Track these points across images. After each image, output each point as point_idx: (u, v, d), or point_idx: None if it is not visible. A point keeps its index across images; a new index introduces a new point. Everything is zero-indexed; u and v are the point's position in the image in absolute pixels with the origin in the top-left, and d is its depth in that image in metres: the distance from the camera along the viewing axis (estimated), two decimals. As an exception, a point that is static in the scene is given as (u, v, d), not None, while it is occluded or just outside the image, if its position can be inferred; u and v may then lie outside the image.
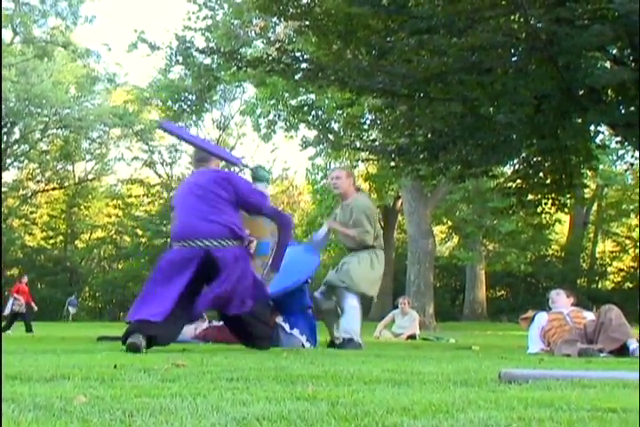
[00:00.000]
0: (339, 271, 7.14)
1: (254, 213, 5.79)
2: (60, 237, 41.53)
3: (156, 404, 2.19)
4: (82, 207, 41.53)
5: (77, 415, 2.00)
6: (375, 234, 7.14)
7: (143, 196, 41.22)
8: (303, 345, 7.11)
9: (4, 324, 17.89)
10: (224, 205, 5.50)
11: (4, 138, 34.79)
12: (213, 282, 5.36)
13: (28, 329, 17.32)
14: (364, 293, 7.12)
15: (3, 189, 34.46)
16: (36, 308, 19.78)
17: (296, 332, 7.16)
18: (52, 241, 41.28)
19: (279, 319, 7.21)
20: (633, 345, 6.11)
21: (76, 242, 42.17)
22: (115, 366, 3.41)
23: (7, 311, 18.83)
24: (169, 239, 6.03)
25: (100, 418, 1.96)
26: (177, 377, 3.03)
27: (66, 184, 40.96)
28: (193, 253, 5.37)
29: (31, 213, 40.58)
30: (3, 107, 29.68)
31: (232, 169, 7.41)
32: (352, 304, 6.99)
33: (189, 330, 8.09)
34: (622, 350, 6.09)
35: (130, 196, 41.43)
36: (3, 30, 29.95)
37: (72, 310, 33.32)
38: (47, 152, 39.51)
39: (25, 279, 20.34)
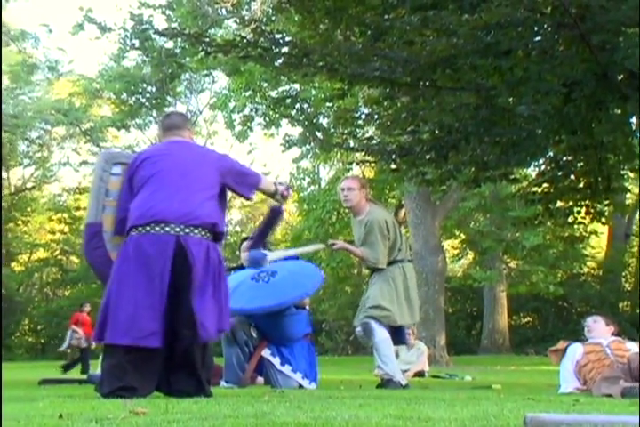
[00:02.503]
0: (363, 306, 7.42)
1: (246, 198, 5.67)
2: (-6, 259, 41.45)
3: (110, 461, 2.18)
4: (19, 222, 41.38)
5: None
6: (398, 247, 7.42)
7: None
8: (301, 386, 7.11)
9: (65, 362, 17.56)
10: (208, 189, 5.35)
11: None
12: (188, 287, 5.12)
13: (85, 370, 16.89)
14: (395, 322, 7.41)
15: None
16: (93, 344, 18.72)
17: (287, 369, 7.16)
18: (-18, 264, 41.20)
19: (266, 353, 7.20)
20: (687, 382, 6.11)
21: (13, 264, 41.99)
22: (60, 416, 3.40)
23: (64, 347, 18.42)
24: None
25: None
26: (136, 428, 3.02)
27: None
28: (162, 241, 5.17)
29: (-43, 230, 40.53)
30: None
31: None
32: (381, 337, 7.23)
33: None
34: (674, 388, 6.09)
35: (78, 208, 41.26)
36: None
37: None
38: (-24, 156, 39.49)
39: (87, 307, 19.78)
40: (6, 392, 5.97)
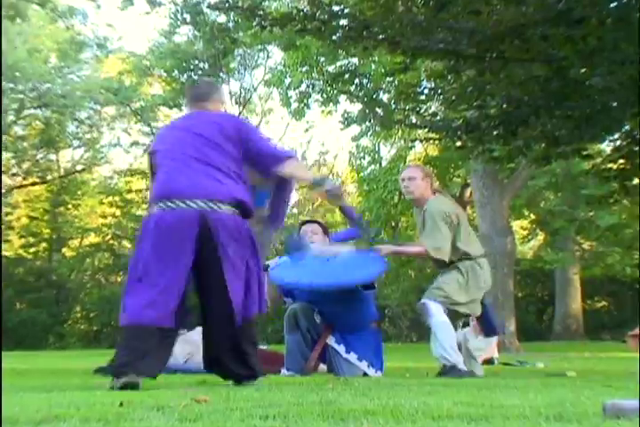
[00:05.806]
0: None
1: (266, 175, 5.45)
2: (44, 245, 41.83)
3: (176, 449, 2.22)
4: (69, 206, 41.75)
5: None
6: (467, 241, 7.02)
7: (146, 190, 41.30)
8: (365, 374, 7.13)
9: None
10: (230, 165, 5.27)
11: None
12: (219, 268, 5.06)
13: None
14: (455, 302, 7.07)
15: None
16: None
17: (353, 357, 7.17)
18: (33, 249, 41.53)
19: (331, 340, 7.22)
20: None
21: (64, 250, 42.44)
22: (120, 404, 3.46)
23: None
24: None
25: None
26: (198, 416, 3.06)
27: (49, 178, 41.24)
28: (186, 216, 5.09)
29: (6, 214, 40.84)
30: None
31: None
32: (439, 320, 6.89)
33: (180, 349, 7.87)
34: None
35: (129, 190, 41.55)
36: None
37: None
38: (24, 138, 39.80)
39: None
40: (62, 381, 6.07)
